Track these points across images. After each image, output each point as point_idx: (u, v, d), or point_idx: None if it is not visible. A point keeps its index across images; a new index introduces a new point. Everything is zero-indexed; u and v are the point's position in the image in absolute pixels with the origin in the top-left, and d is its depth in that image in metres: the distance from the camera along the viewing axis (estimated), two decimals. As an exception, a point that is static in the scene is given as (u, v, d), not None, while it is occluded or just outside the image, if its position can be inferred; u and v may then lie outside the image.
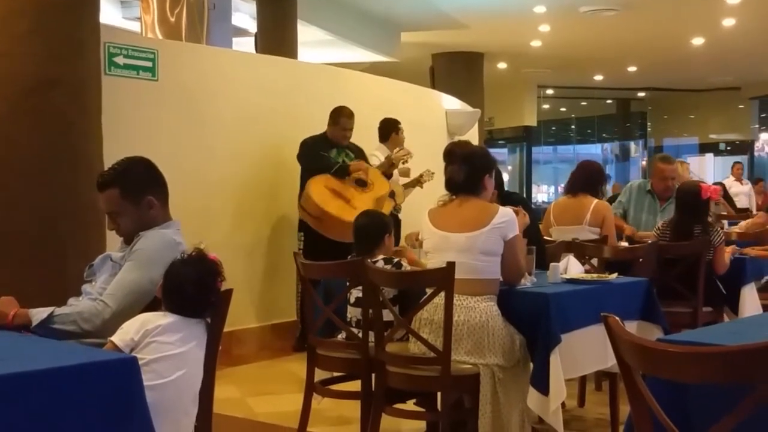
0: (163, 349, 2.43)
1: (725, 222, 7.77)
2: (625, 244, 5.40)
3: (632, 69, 16.91)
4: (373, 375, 3.52)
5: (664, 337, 2.51)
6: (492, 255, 3.40)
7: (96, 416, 1.93)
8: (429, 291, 3.34)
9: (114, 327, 2.52)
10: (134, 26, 9.04)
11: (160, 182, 2.98)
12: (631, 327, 3.72)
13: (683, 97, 20.69)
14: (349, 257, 3.96)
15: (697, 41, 13.81)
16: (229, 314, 2.63)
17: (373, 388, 3.53)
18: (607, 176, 15.60)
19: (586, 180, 5.40)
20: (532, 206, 8.79)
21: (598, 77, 18.23)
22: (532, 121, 18.83)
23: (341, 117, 6.10)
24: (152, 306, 2.70)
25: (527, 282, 3.58)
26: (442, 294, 3.24)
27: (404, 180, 6.90)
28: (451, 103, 9.36)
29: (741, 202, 11.86)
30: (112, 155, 3.34)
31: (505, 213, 3.45)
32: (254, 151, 6.31)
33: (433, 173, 6.70)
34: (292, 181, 6.16)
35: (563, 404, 3.61)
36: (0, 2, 3.89)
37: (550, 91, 20.50)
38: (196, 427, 2.55)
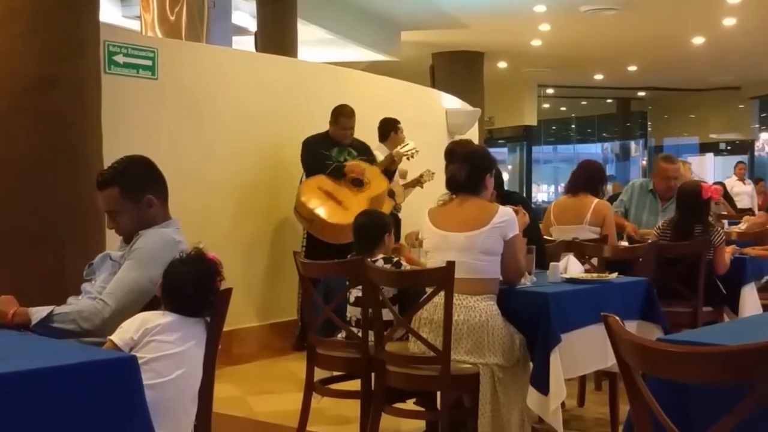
0: (163, 348, 2.43)
1: (725, 221, 7.76)
2: (625, 243, 5.40)
3: (632, 68, 16.90)
4: (373, 374, 3.52)
5: (664, 337, 2.51)
6: (492, 254, 3.40)
7: (95, 415, 1.93)
8: (429, 290, 3.34)
9: (113, 326, 2.52)
10: (134, 25, 9.03)
11: (160, 181, 2.98)
12: (631, 327, 3.71)
13: (683, 97, 20.67)
14: (348, 256, 3.96)
15: (698, 41, 13.80)
16: (229, 313, 2.63)
17: (372, 388, 3.53)
18: (610, 176, 15.64)
19: (587, 179, 5.40)
20: (532, 206, 8.76)
21: (599, 77, 18.21)
22: (532, 120, 18.81)
23: (341, 116, 6.09)
24: (152, 305, 2.70)
25: (527, 281, 3.58)
26: (442, 293, 3.24)
27: (402, 180, 6.88)
28: (451, 102, 9.35)
29: (743, 202, 11.69)
30: (111, 154, 3.34)
31: (505, 212, 3.45)
32: (254, 151, 6.31)
33: (433, 173, 6.69)
34: (292, 181, 6.16)
35: (563, 404, 3.60)
36: (0, 2, 3.89)
37: (550, 91, 20.49)
38: (195, 426, 2.55)
